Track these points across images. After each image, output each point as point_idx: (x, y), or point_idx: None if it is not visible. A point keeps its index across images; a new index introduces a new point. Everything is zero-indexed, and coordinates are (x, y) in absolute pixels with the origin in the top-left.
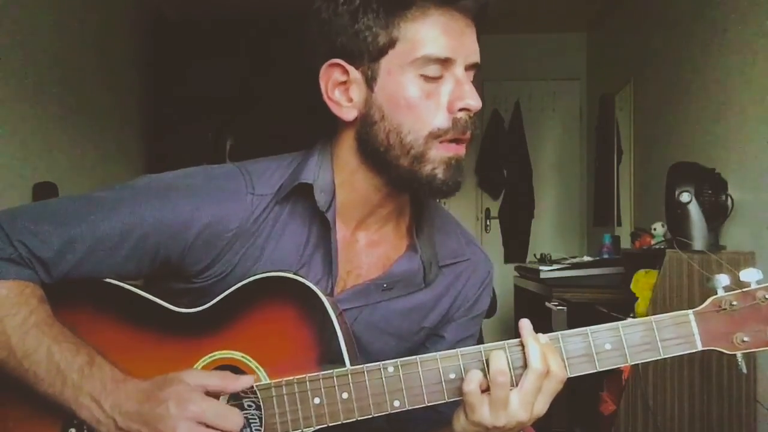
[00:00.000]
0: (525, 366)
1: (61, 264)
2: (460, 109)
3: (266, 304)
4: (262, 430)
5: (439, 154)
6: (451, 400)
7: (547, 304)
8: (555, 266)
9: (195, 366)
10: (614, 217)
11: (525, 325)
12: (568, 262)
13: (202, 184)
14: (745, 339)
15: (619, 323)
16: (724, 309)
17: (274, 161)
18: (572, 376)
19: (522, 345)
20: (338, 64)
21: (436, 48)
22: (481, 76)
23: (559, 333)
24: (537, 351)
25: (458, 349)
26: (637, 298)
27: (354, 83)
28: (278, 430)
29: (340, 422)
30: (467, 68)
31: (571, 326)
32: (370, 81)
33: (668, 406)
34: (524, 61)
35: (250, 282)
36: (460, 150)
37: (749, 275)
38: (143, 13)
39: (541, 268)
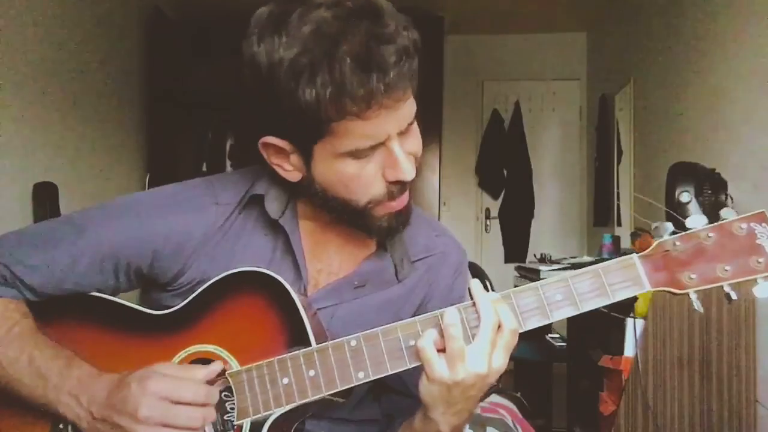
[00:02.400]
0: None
1: (42, 284)
2: (393, 181)
3: (235, 299)
4: (235, 414)
5: (381, 211)
6: (413, 365)
7: None
8: (555, 266)
9: (172, 361)
10: (614, 217)
11: (475, 283)
12: (568, 262)
13: (166, 198)
14: (692, 276)
15: (567, 273)
16: (669, 251)
17: (239, 173)
18: (527, 329)
19: (474, 305)
20: (273, 144)
21: (363, 140)
22: (481, 76)
23: (510, 290)
24: (487, 304)
25: (416, 317)
26: (637, 298)
27: (292, 154)
28: (250, 413)
29: (308, 399)
30: (402, 131)
31: (571, 326)
32: (305, 159)
33: (668, 406)
34: (524, 61)
35: (219, 280)
36: (401, 203)
37: (695, 222)
38: (143, 13)
39: (541, 268)
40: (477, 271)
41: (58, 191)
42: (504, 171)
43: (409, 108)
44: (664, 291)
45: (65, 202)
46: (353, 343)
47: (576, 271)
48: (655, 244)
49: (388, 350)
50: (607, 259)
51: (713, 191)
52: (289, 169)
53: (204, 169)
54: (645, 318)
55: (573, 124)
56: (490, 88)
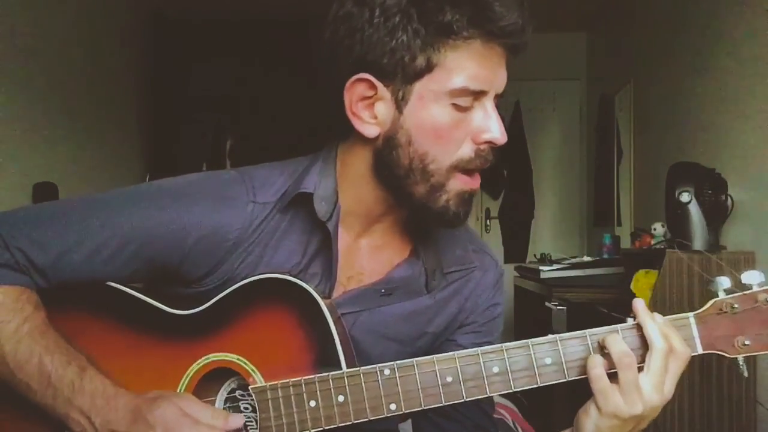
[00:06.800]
0: (641, 347)
1: (58, 271)
2: (485, 142)
3: (262, 307)
4: None
5: (457, 185)
6: (448, 403)
7: (547, 304)
8: (555, 266)
9: (190, 368)
10: (614, 217)
11: (640, 304)
12: (568, 262)
13: (201, 192)
14: (747, 342)
15: (618, 326)
16: (725, 312)
17: (277, 168)
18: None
19: (635, 327)
20: (367, 80)
21: (473, 81)
22: None
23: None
24: (656, 329)
25: (455, 352)
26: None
27: (381, 101)
28: None
29: (335, 425)
30: (494, 97)
31: (570, 326)
32: (399, 102)
33: (668, 406)
34: (524, 61)
35: (246, 284)
36: (476, 183)
37: (751, 277)
38: (143, 13)
39: (541, 268)
40: None
41: (58, 191)
42: (504, 171)
43: (505, 75)
44: (715, 354)
45: None
46: (387, 372)
47: (626, 324)
48: (710, 303)
49: (423, 384)
50: (607, 259)
51: (713, 191)
52: (370, 121)
53: (204, 169)
54: None
55: (573, 124)
56: None
